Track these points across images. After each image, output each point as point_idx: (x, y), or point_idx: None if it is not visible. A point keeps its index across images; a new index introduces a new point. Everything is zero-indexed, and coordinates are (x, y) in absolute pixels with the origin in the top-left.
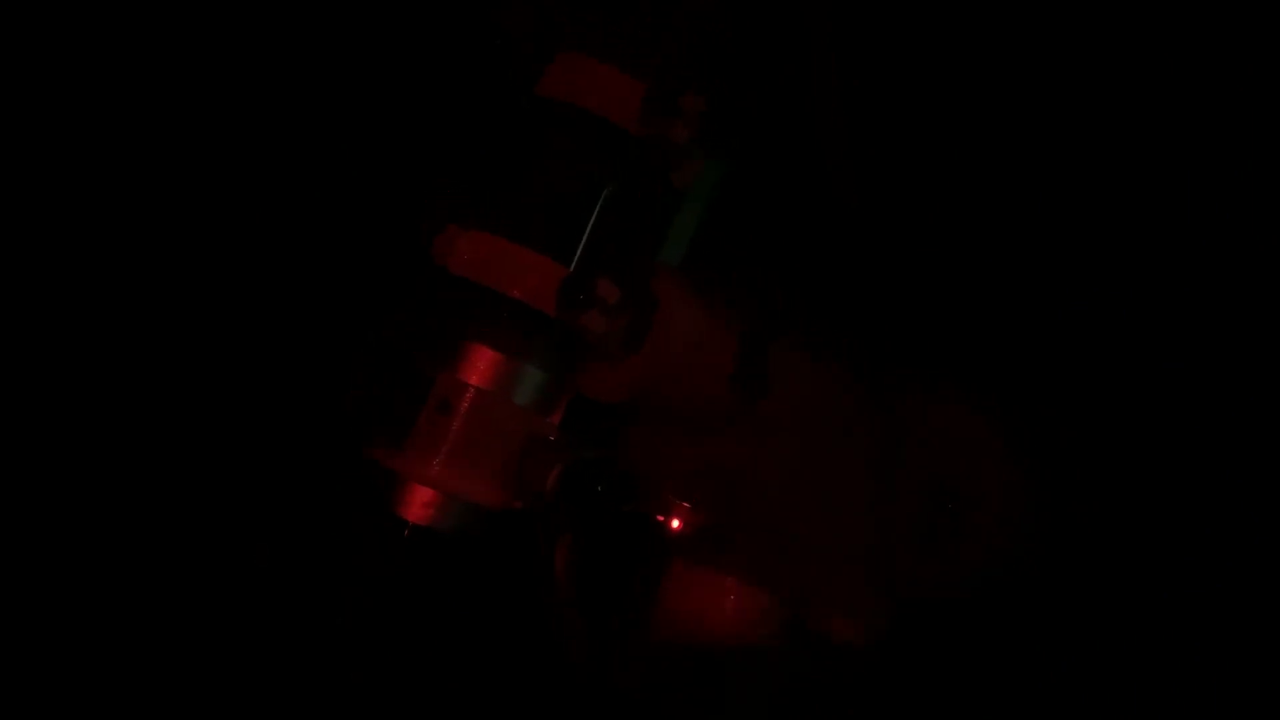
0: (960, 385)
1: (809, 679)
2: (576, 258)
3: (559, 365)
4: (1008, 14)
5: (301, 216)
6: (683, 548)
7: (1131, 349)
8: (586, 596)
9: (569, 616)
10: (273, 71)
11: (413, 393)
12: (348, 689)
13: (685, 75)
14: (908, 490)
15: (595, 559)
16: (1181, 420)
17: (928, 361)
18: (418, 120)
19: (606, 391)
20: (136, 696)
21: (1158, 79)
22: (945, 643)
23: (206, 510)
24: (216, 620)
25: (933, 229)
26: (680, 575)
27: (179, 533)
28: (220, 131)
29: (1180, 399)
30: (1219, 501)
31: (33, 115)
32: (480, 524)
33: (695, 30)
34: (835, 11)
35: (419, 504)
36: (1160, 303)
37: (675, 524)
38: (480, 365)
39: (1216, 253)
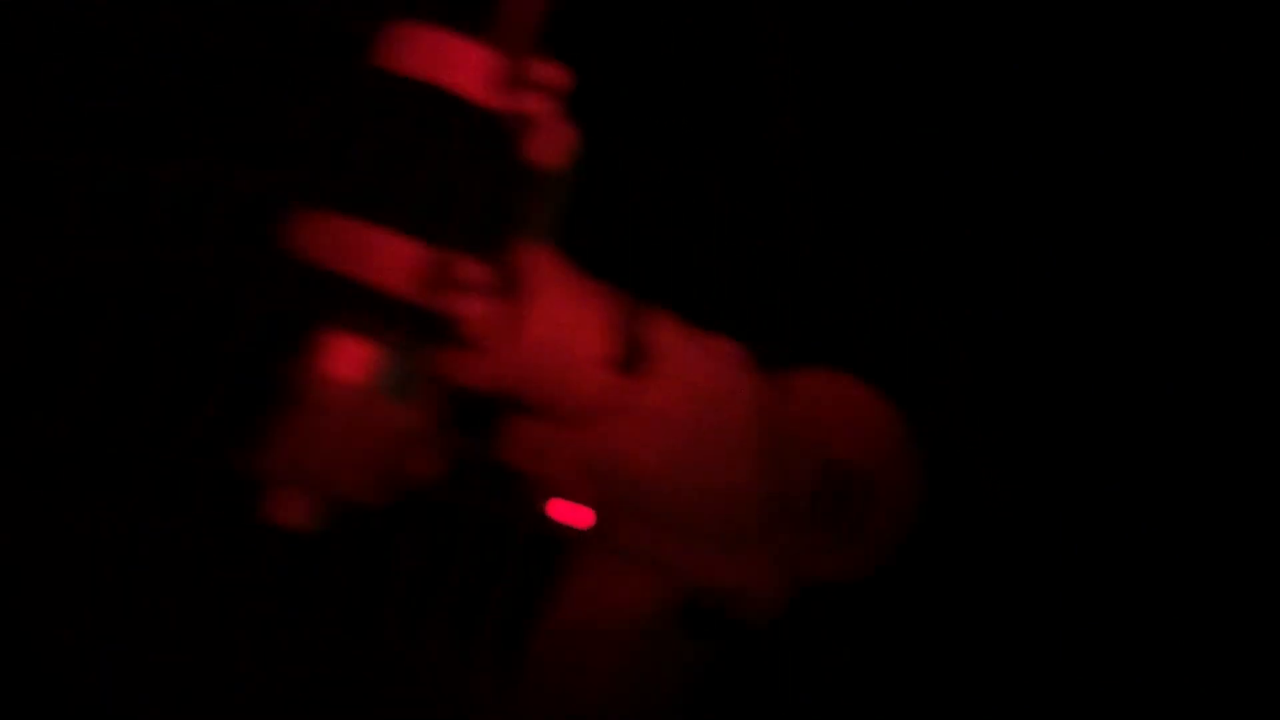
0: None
1: (702, 662)
2: (438, 239)
3: (426, 353)
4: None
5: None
6: (571, 539)
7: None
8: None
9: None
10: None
11: (274, 390)
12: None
13: (534, 44)
14: (800, 471)
15: (480, 553)
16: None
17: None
18: (258, 100)
19: (477, 379)
20: None
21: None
22: (841, 623)
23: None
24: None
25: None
26: (571, 567)
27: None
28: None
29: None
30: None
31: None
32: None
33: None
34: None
35: (289, 506)
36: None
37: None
38: (343, 357)
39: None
